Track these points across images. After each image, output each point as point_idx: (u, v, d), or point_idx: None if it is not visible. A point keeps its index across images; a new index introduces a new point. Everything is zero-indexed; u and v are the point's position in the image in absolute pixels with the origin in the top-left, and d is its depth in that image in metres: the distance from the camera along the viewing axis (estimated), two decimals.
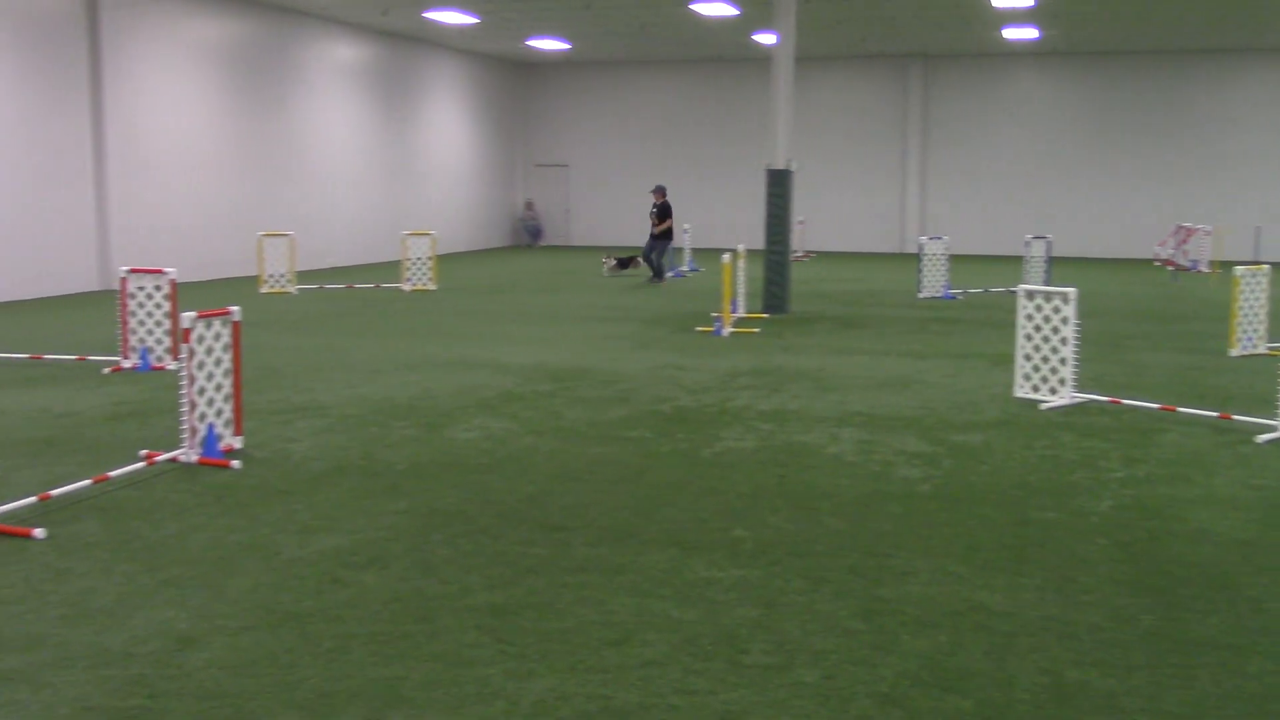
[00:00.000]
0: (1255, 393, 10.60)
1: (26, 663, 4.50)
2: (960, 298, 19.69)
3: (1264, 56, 30.03)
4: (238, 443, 8.10)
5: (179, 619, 4.96)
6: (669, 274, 22.87)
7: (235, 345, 8.05)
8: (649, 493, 7.08)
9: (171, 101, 21.37)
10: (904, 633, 4.86)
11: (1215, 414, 9.41)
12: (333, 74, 26.23)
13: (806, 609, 5.13)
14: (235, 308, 8.10)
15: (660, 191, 22.18)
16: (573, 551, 5.91)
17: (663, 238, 22.01)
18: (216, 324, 7.89)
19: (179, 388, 7.74)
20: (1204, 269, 26.05)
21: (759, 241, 20.88)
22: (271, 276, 20.37)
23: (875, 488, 7.24)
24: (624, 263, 23.87)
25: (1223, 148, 30.49)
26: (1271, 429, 8.77)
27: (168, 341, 11.59)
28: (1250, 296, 13.04)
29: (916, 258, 21.29)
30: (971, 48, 30.66)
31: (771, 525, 6.42)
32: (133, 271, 11.63)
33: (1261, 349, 13.09)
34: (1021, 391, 10.38)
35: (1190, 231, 26.62)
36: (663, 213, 21.82)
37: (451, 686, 4.31)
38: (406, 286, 20.61)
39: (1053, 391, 10.18)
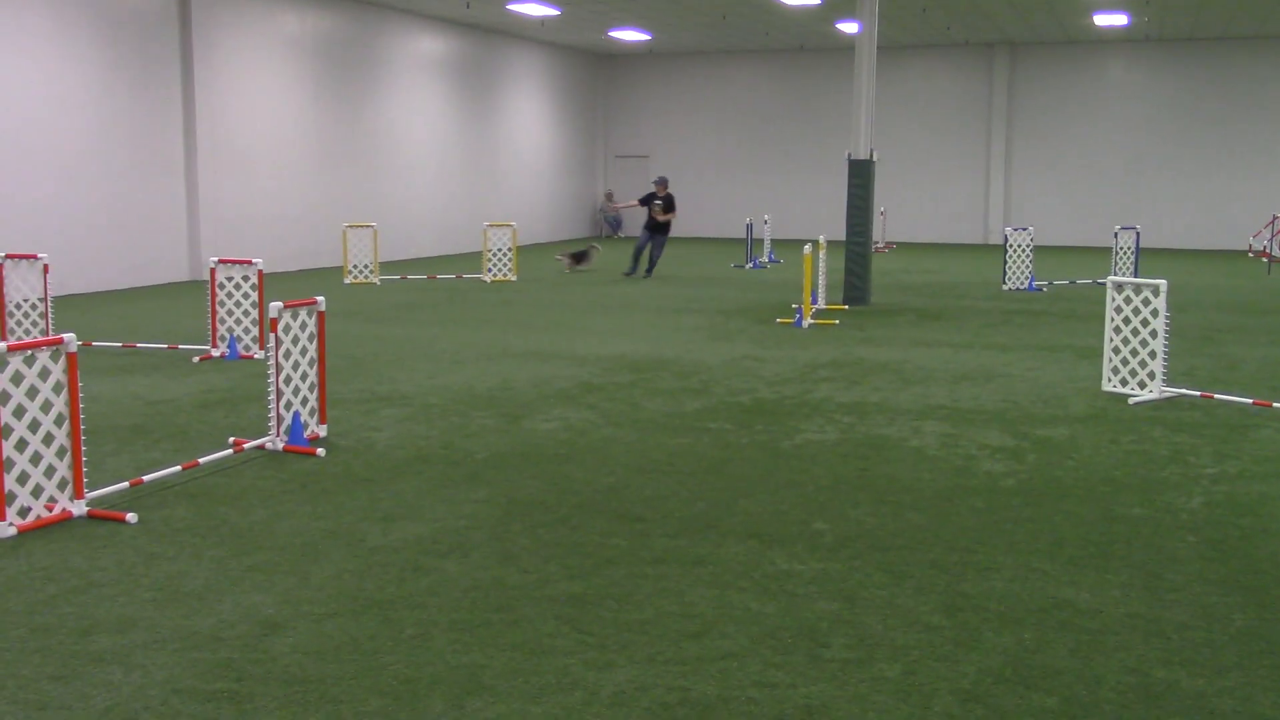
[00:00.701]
0: None
1: (119, 644, 4.61)
2: (1046, 290, 19.36)
3: None
4: (322, 431, 8.23)
5: (265, 604, 5.05)
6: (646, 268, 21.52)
7: (320, 335, 8.16)
8: (728, 484, 7.06)
9: (260, 95, 21.75)
10: (987, 629, 4.80)
11: None
12: (416, 67, 26.50)
13: (888, 603, 5.09)
14: (320, 298, 8.22)
15: (664, 183, 21.26)
16: (652, 542, 5.92)
17: (664, 230, 21.02)
18: (302, 314, 8.01)
19: (266, 376, 7.87)
20: None
21: (840, 232, 20.69)
22: (355, 267, 20.65)
23: (958, 482, 7.15)
24: (579, 257, 22.68)
25: None
26: None
27: (255, 331, 11.81)
28: None
29: (1001, 249, 20.98)
30: (1058, 35, 30.09)
31: (852, 518, 6.37)
32: (221, 262, 11.86)
33: None
34: (1109, 385, 10.18)
35: None
36: (669, 205, 20.97)
37: (531, 675, 4.34)
38: (487, 277, 20.77)
39: (1142, 385, 9.97)
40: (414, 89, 26.47)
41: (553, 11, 25.75)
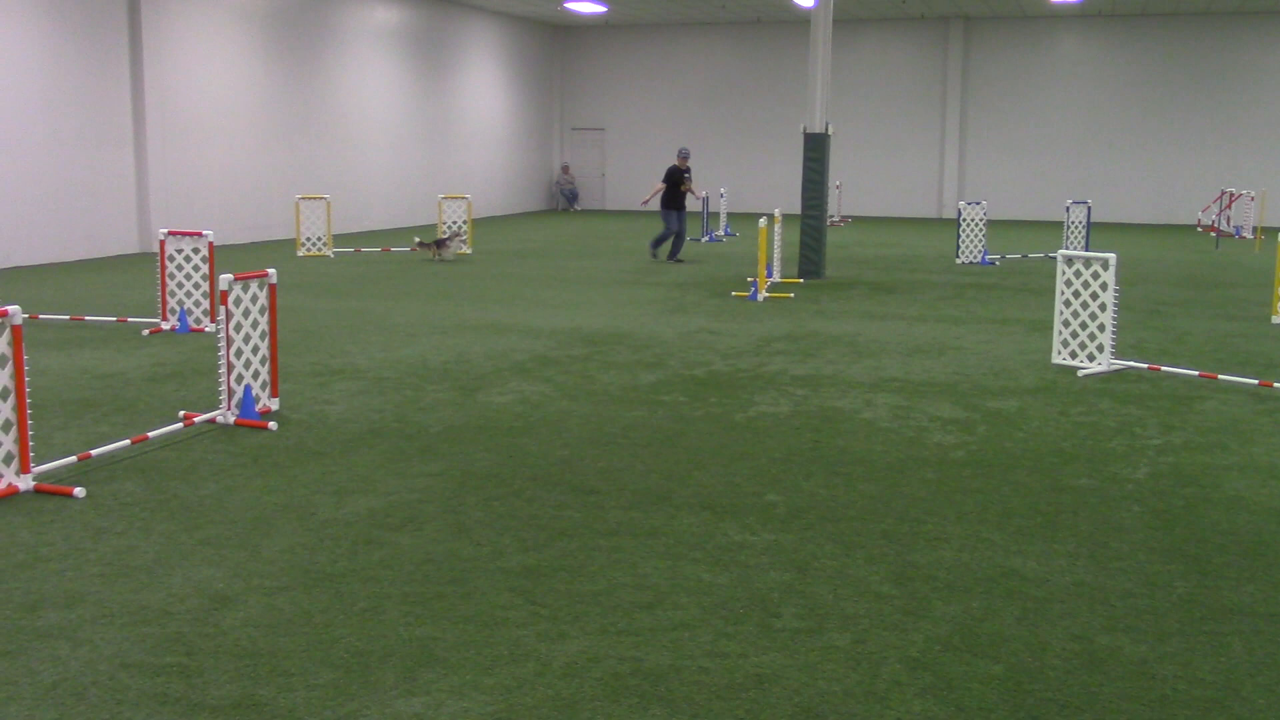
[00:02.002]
0: None
1: (66, 619, 4.57)
2: (998, 263, 19.52)
3: None
4: (274, 404, 8.17)
5: (216, 578, 5.02)
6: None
7: (272, 308, 8.10)
8: (682, 457, 7.09)
9: (210, 65, 21.44)
10: (936, 598, 4.86)
11: (1255, 381, 9.30)
12: (370, 37, 26.22)
13: (838, 574, 5.13)
14: (272, 270, 8.15)
15: (686, 155, 19.52)
16: (605, 515, 5.93)
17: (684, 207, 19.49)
18: (253, 286, 7.94)
19: (217, 349, 7.80)
20: (1247, 235, 25.69)
21: (795, 206, 20.72)
22: (308, 240, 20.47)
23: (909, 453, 7.22)
24: (441, 244, 19.66)
25: (1270, 112, 29.96)
26: None
27: (206, 304, 11.69)
28: None
29: (954, 223, 21.11)
30: (1013, 10, 30.24)
31: (804, 490, 6.42)
32: (171, 234, 11.72)
33: None
34: (1059, 358, 10.29)
35: (1234, 197, 26.25)
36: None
37: (484, 647, 4.35)
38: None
39: (1091, 358, 10.09)
40: (368, 60, 26.20)
41: None
